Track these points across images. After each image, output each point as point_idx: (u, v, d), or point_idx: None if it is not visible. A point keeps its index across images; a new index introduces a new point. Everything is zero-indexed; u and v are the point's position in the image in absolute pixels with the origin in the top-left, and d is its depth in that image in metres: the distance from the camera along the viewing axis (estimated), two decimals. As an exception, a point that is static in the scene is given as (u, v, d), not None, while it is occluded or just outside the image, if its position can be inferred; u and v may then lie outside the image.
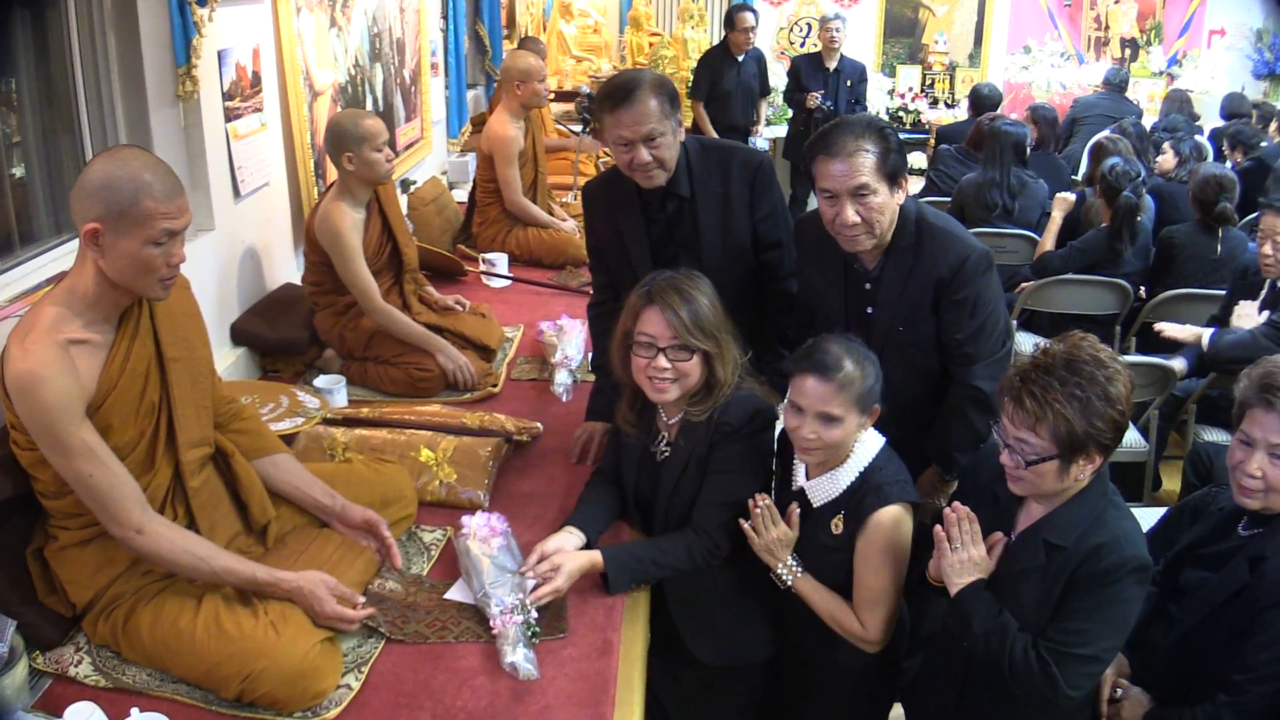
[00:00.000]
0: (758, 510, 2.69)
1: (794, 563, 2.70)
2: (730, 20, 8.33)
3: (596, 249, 3.53)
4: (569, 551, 2.72)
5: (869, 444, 2.67)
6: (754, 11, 8.37)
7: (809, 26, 10.98)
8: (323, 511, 2.77)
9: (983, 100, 8.21)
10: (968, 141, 7.33)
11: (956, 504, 2.47)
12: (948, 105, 10.53)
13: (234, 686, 2.28)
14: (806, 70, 8.74)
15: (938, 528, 2.47)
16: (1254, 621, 2.37)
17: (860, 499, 2.61)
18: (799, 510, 2.71)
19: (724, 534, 2.76)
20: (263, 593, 2.42)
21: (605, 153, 7.35)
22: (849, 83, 8.69)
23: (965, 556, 2.43)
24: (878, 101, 10.70)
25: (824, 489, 2.68)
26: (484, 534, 2.73)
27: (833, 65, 8.68)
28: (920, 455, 3.06)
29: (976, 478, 2.65)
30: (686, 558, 2.75)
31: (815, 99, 8.48)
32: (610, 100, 3.08)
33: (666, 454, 2.88)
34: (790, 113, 9.11)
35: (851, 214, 2.83)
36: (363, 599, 2.56)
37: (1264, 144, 7.61)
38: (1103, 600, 2.29)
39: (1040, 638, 2.33)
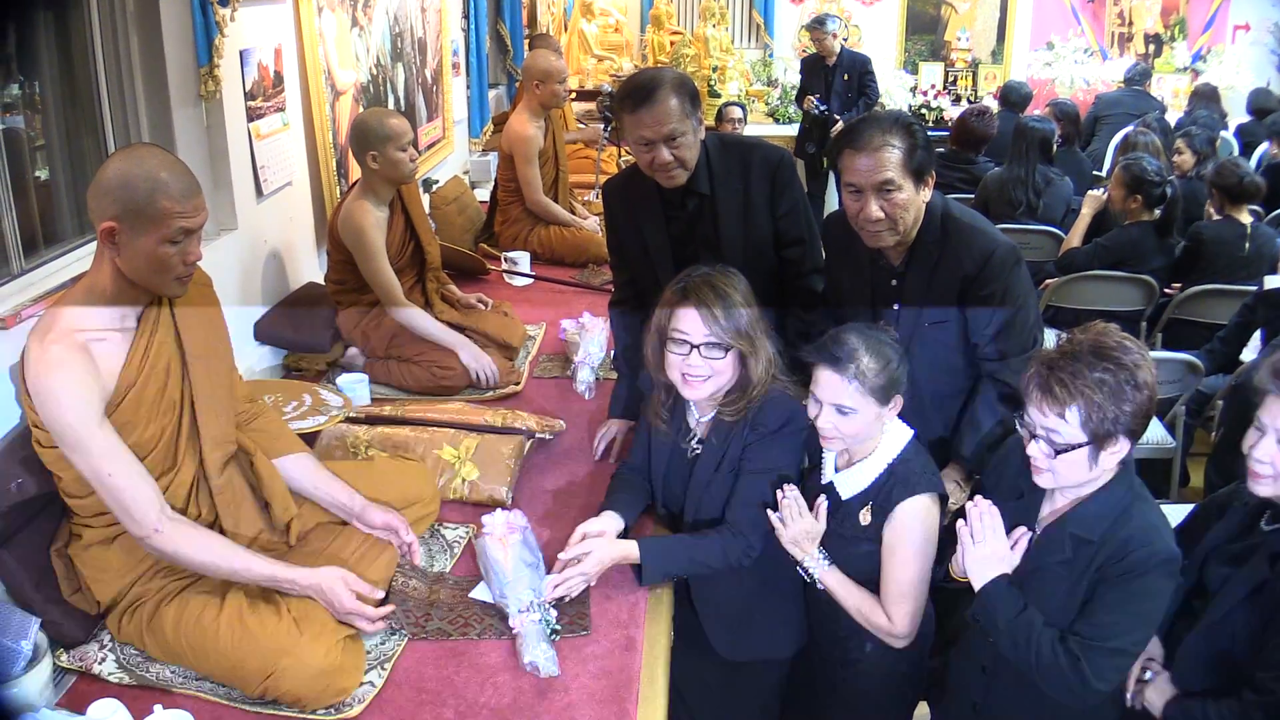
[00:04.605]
0: (786, 501, 2.67)
1: (821, 556, 2.68)
2: (719, 114, 8.29)
3: (617, 247, 3.52)
4: (606, 538, 2.71)
5: (897, 436, 2.66)
6: (741, 106, 8.40)
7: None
8: (343, 511, 2.77)
9: (1014, 94, 8.18)
10: (952, 140, 7.26)
11: (978, 498, 2.46)
12: (970, 102, 10.47)
13: (257, 684, 2.28)
14: (809, 72, 9.01)
15: (960, 522, 2.45)
16: (1275, 618, 2.35)
17: (888, 491, 2.60)
18: (827, 503, 2.70)
19: (758, 535, 2.74)
20: (282, 590, 2.43)
21: (628, 151, 7.35)
22: (845, 76, 8.80)
23: (988, 551, 2.41)
24: (900, 99, 10.66)
25: (852, 481, 2.67)
26: (501, 532, 2.72)
27: (831, 63, 8.85)
28: (942, 451, 3.04)
29: (1000, 472, 2.63)
30: (721, 556, 2.73)
31: (811, 102, 8.74)
32: (631, 100, 3.07)
33: (698, 451, 2.86)
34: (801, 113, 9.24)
35: (875, 209, 2.82)
36: (382, 594, 2.56)
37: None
38: (1131, 594, 2.27)
39: (1068, 632, 2.31)
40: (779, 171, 3.30)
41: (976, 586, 2.42)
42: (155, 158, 2.30)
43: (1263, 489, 2.43)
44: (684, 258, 3.21)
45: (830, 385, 2.55)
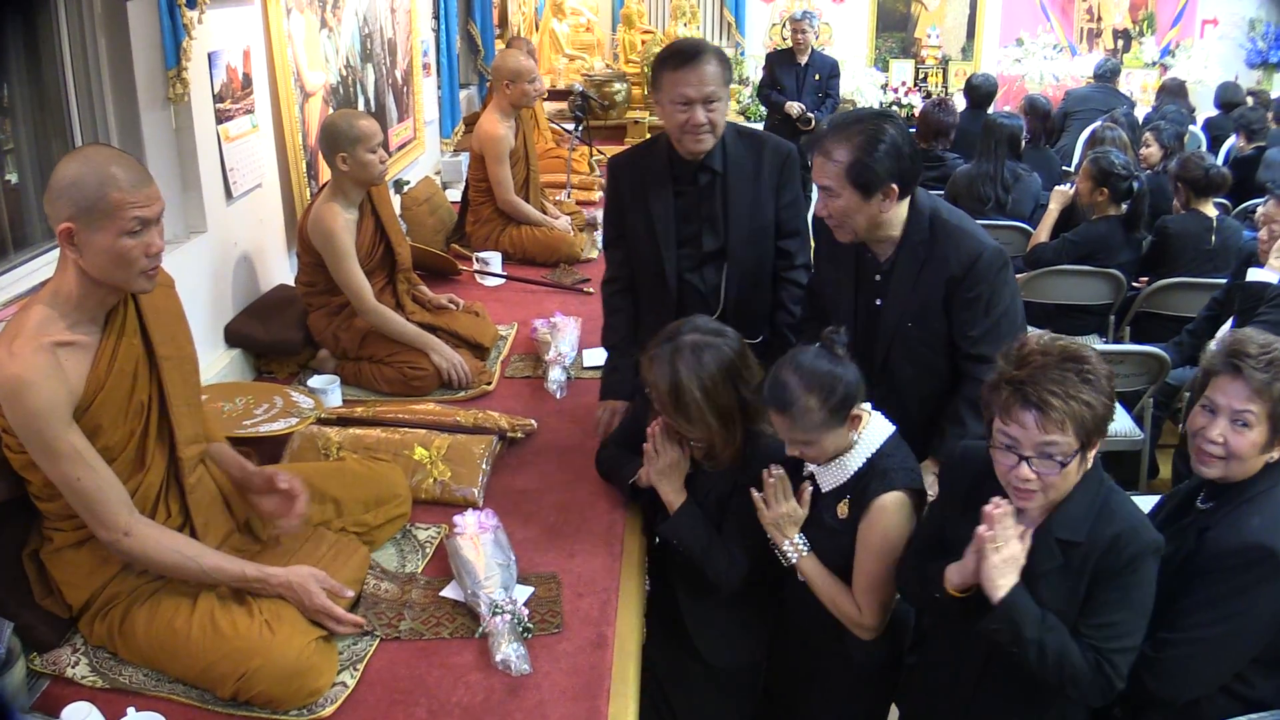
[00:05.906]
0: (771, 481, 2.69)
1: (800, 541, 2.70)
2: None
3: (617, 221, 3.55)
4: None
5: (877, 431, 2.66)
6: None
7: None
8: (243, 485, 2.73)
9: (977, 91, 8.20)
10: (919, 135, 7.21)
11: (995, 498, 2.33)
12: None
13: (229, 685, 2.28)
14: (778, 66, 8.96)
15: (980, 529, 2.30)
16: (1189, 584, 2.40)
17: (866, 484, 2.61)
18: (811, 489, 2.71)
19: (745, 569, 2.80)
20: (253, 590, 2.43)
21: (599, 150, 7.36)
22: (816, 76, 8.86)
23: (1009, 554, 2.29)
24: (871, 96, 10.71)
25: (832, 475, 2.68)
26: (473, 531, 2.74)
27: (803, 60, 8.86)
28: (922, 449, 3.05)
29: (956, 481, 2.60)
30: (725, 567, 2.77)
31: (794, 108, 8.68)
32: (675, 59, 3.19)
33: (689, 472, 2.90)
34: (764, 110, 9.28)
35: (820, 206, 2.94)
36: (352, 593, 2.57)
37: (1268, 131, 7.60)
38: (1130, 588, 2.27)
39: (1081, 637, 2.27)
40: (787, 163, 3.43)
41: (996, 596, 2.28)
42: (102, 154, 2.30)
43: (1212, 470, 2.45)
44: (687, 235, 3.36)
45: (780, 425, 2.61)
